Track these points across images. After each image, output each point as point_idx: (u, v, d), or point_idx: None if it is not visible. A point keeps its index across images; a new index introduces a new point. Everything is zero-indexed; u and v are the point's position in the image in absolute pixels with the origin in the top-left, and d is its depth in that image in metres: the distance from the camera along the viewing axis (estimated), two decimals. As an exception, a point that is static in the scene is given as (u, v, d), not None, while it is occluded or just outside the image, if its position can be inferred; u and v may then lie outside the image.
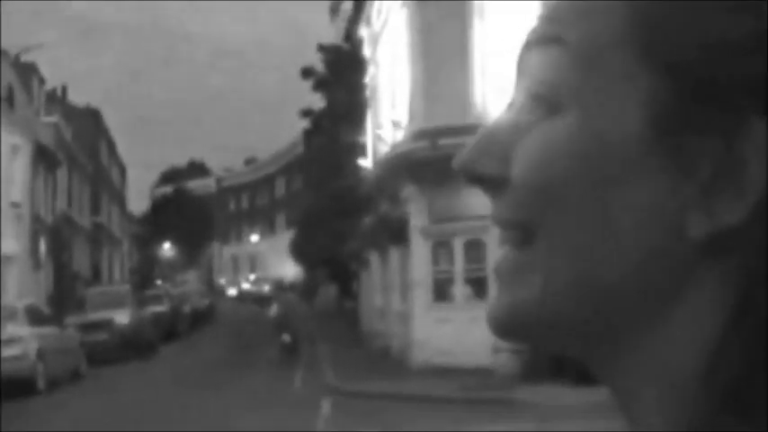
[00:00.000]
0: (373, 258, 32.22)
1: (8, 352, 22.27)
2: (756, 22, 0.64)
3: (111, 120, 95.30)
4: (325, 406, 18.99)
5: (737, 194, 0.64)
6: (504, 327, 0.71)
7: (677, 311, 0.67)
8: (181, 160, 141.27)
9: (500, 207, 0.71)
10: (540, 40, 0.71)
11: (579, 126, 0.67)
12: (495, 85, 23.30)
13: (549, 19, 0.71)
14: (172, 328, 41.16)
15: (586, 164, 0.66)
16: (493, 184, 0.70)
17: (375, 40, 32.07)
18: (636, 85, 0.66)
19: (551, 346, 0.72)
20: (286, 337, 28.91)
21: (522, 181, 0.68)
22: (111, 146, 76.69)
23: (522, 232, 0.69)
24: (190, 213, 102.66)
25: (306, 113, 41.94)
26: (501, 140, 0.70)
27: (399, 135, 26.23)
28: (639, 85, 0.66)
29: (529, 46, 0.72)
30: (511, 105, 0.72)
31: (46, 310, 28.39)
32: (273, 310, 30.89)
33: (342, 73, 35.87)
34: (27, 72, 46.20)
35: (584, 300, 0.67)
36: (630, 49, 0.66)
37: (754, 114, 0.63)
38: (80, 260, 56.18)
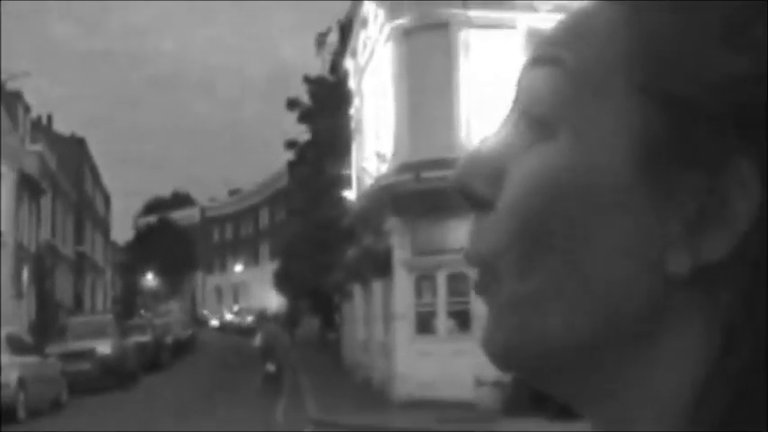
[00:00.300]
0: (356, 290, 32.11)
1: (-12, 381, 22.13)
2: (755, 63, 0.64)
3: (96, 148, 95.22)
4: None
5: (721, 231, 0.64)
6: (492, 359, 0.71)
7: (663, 344, 0.67)
8: (165, 190, 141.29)
9: (484, 231, 0.71)
10: (539, 59, 0.71)
11: (570, 152, 0.67)
12: (481, 119, 23.47)
13: (549, 40, 0.72)
14: (155, 358, 40.98)
15: (574, 192, 0.66)
16: (480, 204, 0.71)
17: (360, 73, 32.17)
18: (629, 113, 0.66)
19: (539, 378, 0.72)
20: (270, 367, 28.84)
21: (512, 208, 0.68)
22: (96, 174, 76.59)
23: (505, 262, 0.69)
24: (173, 243, 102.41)
25: (290, 145, 41.81)
26: (492, 161, 0.71)
27: (384, 167, 26.28)
28: (632, 113, 0.66)
29: (528, 65, 0.72)
30: (505, 123, 0.73)
31: (28, 338, 28.23)
32: (257, 339, 30.82)
33: (327, 105, 35.90)
34: (12, 100, 46.15)
35: (571, 331, 0.67)
36: (628, 76, 0.67)
37: (740, 152, 0.64)
38: (63, 289, 55.98)
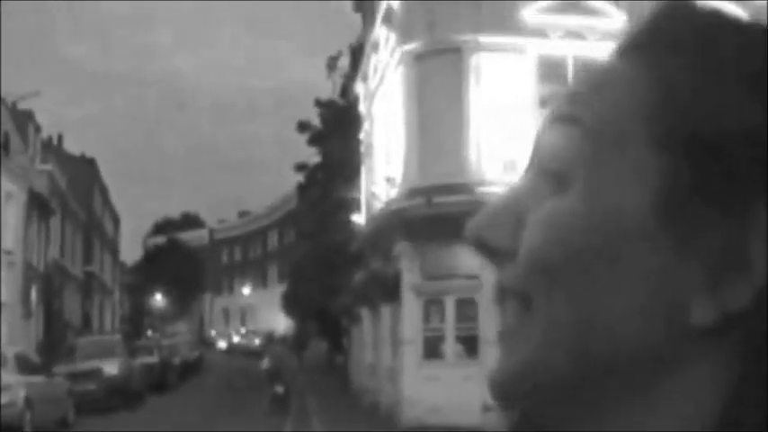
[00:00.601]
0: (364, 314, 32.02)
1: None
2: None
3: (106, 169, 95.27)
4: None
5: (743, 279, 0.65)
6: (498, 389, 0.72)
7: (666, 390, 0.68)
8: (174, 211, 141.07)
9: (504, 275, 0.73)
10: (558, 118, 0.72)
11: (587, 204, 0.68)
12: (491, 145, 23.61)
13: (568, 98, 0.73)
14: (162, 379, 40.92)
15: (592, 242, 0.68)
16: (499, 255, 0.72)
17: (371, 97, 32.24)
18: (649, 163, 0.68)
19: (541, 412, 0.73)
20: (279, 388, 28.82)
21: (528, 257, 0.70)
22: (105, 195, 76.76)
23: (522, 301, 0.71)
24: (182, 264, 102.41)
25: (300, 168, 41.84)
26: (510, 214, 0.72)
27: (393, 192, 26.28)
28: (653, 163, 0.68)
29: (547, 123, 0.73)
30: (523, 178, 0.75)
31: (36, 358, 28.25)
32: (265, 362, 30.79)
33: (337, 128, 35.94)
34: (23, 120, 46.32)
35: (576, 368, 0.69)
36: (648, 127, 0.68)
37: (760, 199, 0.65)
38: (71, 309, 56.04)
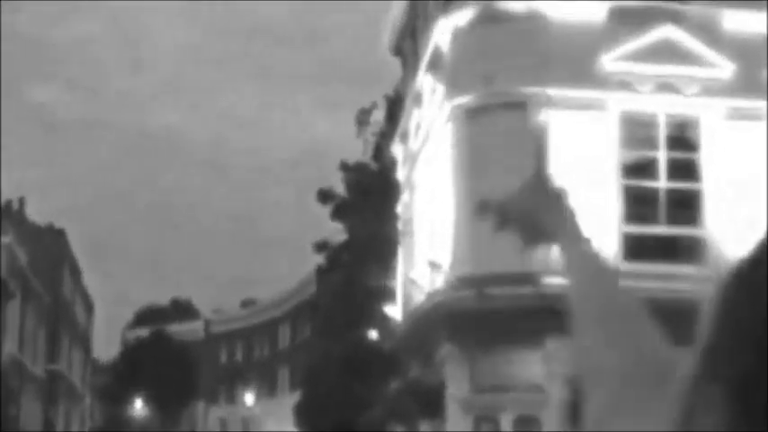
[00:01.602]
0: (398, 432, 32.01)
1: None
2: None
3: (78, 242, 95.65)
4: None
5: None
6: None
7: None
8: (162, 297, 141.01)
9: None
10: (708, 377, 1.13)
11: None
12: None
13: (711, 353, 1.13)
14: None
15: None
16: None
17: (412, 160, 32.36)
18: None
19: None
20: None
21: None
22: (76, 275, 77.08)
23: None
24: (170, 364, 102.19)
25: (320, 247, 41.93)
26: None
27: (438, 280, 26.21)
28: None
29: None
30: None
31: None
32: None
33: (368, 198, 36.24)
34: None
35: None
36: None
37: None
38: (30, 416, 56.08)
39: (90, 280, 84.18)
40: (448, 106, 26.30)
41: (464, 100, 25.82)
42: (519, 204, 2.00)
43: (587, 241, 1.81)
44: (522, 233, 1.96)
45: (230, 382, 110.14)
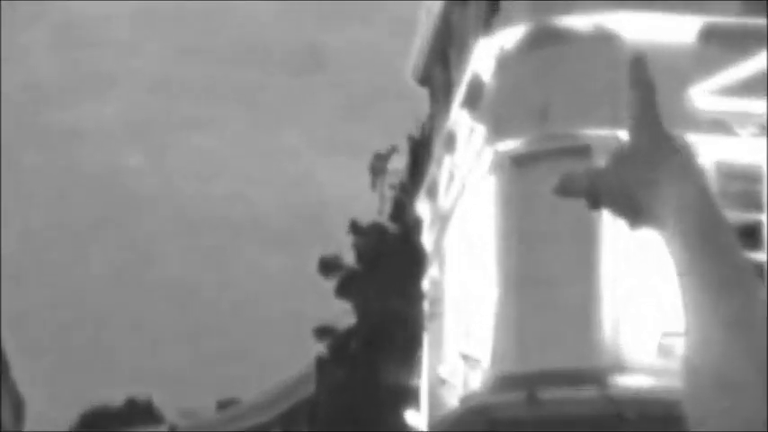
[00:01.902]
0: None
1: None
2: None
3: (6, 325, 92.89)
4: None
5: None
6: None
7: None
8: (114, 395, 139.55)
9: None
10: None
11: None
12: (636, 310, 23.05)
13: None
14: None
15: None
16: None
17: (442, 222, 31.64)
18: None
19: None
20: None
21: None
22: (4, 364, 75.28)
23: None
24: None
25: (322, 332, 40.27)
26: None
27: (476, 379, 25.94)
28: None
29: None
30: None
31: None
32: None
33: (384, 270, 35.28)
34: None
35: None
36: None
37: None
38: None
39: (19, 372, 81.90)
40: (490, 152, 25.91)
41: (511, 145, 25.46)
42: (615, 175, 1.66)
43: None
44: (621, 213, 1.67)
45: None
